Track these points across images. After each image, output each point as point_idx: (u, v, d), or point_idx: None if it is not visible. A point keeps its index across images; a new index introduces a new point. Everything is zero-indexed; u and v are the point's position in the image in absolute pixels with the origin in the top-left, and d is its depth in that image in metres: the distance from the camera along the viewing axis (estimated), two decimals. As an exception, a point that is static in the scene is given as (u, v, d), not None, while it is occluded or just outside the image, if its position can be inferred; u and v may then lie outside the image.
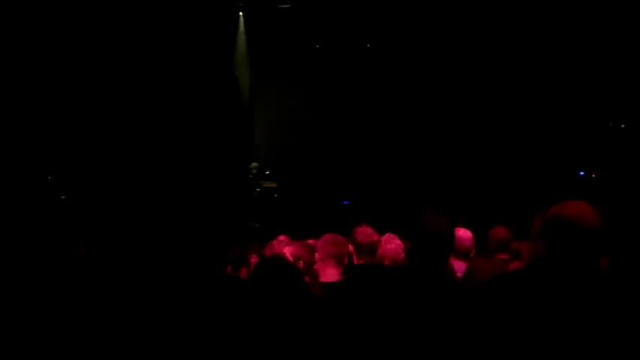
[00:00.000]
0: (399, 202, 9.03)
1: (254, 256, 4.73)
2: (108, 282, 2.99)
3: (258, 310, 2.37)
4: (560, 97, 9.07)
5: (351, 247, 3.61)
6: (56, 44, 8.59)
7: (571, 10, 8.68)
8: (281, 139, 10.56)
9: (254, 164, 9.51)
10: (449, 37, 9.57)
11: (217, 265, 2.78)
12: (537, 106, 9.20)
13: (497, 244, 4.32)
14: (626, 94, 8.78)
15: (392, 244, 3.92)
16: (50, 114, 8.73)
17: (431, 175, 9.68)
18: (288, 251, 3.54)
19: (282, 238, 4.83)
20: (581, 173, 9.10)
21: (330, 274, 3.34)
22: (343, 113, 10.55)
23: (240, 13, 10.46)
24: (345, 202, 9.96)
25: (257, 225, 8.49)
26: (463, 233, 3.76)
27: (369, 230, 3.79)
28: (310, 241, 4.07)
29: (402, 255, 3.75)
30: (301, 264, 3.44)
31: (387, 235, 4.02)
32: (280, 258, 3.08)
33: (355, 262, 3.58)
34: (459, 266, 3.65)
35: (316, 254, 3.47)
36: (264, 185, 9.61)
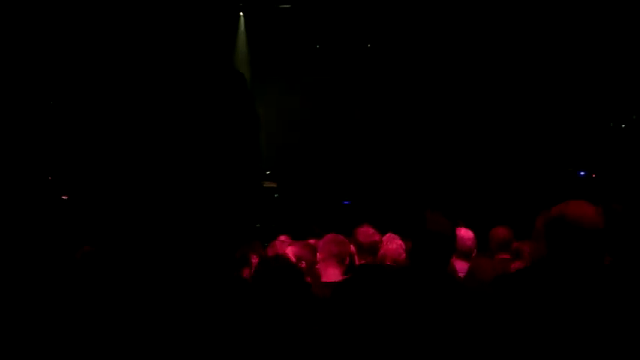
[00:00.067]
0: (400, 203, 9.04)
1: (254, 256, 4.73)
2: (110, 282, 3.00)
3: (261, 311, 2.37)
4: (561, 98, 9.07)
5: (352, 247, 3.62)
6: (56, 44, 8.59)
7: (571, 10, 8.68)
8: (281, 139, 10.55)
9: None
10: (449, 37, 9.57)
11: (224, 265, 2.78)
12: (537, 106, 9.20)
13: (498, 244, 4.33)
14: (626, 94, 8.79)
15: (393, 244, 3.93)
16: (51, 114, 8.73)
17: (431, 175, 9.68)
18: (290, 251, 3.55)
19: (282, 238, 4.83)
20: (582, 173, 9.11)
21: (331, 274, 3.35)
22: (343, 113, 10.55)
23: (241, 13, 10.46)
24: (346, 202, 9.97)
25: (257, 225, 8.49)
26: (465, 233, 3.78)
27: (371, 230, 3.80)
28: (311, 241, 4.08)
29: (404, 255, 3.76)
30: (304, 264, 3.44)
31: (388, 235, 4.03)
32: (282, 258, 3.08)
33: (357, 262, 3.58)
34: (461, 266, 3.66)
35: (318, 254, 3.47)
36: (264, 185, 9.61)
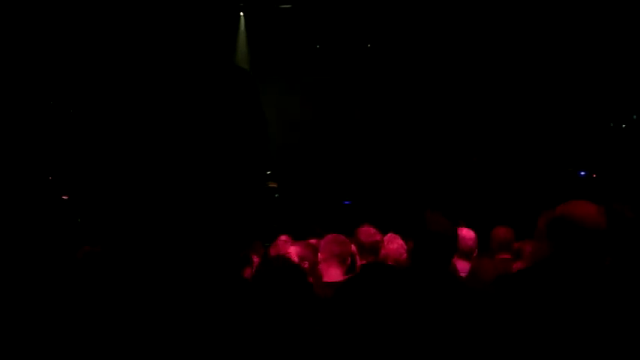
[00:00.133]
0: (401, 203, 9.04)
1: (255, 256, 4.73)
2: (112, 282, 3.00)
3: (263, 311, 2.37)
4: (561, 98, 9.07)
5: (353, 247, 3.62)
6: (57, 44, 8.59)
7: (571, 10, 8.68)
8: (281, 139, 10.55)
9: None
10: (449, 37, 9.58)
11: (229, 265, 2.78)
12: (538, 106, 9.21)
13: (499, 244, 4.34)
14: (626, 94, 8.79)
15: (394, 244, 3.93)
16: (52, 114, 8.73)
17: (432, 175, 9.69)
18: (293, 251, 3.55)
19: (284, 238, 4.82)
20: (582, 173, 9.11)
21: (333, 274, 3.35)
22: (344, 113, 10.55)
23: (241, 13, 10.46)
24: (346, 202, 9.97)
25: (262, 225, 8.50)
26: (466, 233, 3.78)
27: (372, 230, 3.80)
28: (312, 241, 4.08)
29: (405, 255, 3.76)
30: (306, 264, 3.45)
31: (389, 235, 4.03)
32: (284, 258, 3.09)
33: (358, 262, 3.58)
34: (462, 266, 3.66)
35: (319, 254, 3.47)
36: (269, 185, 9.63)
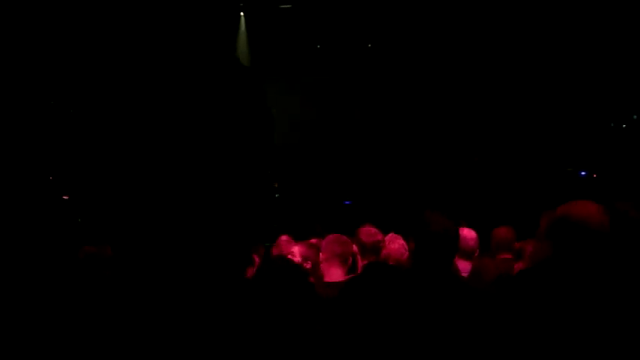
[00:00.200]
0: (401, 202, 9.04)
1: (255, 256, 4.73)
2: (113, 282, 3.00)
3: (265, 311, 2.37)
4: (561, 98, 9.08)
5: (355, 247, 3.62)
6: (57, 44, 8.58)
7: (571, 10, 8.69)
8: (281, 139, 10.55)
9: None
10: (450, 37, 9.58)
11: (236, 265, 2.79)
12: (538, 106, 9.21)
13: (499, 244, 4.34)
14: (626, 94, 8.79)
15: (395, 244, 3.93)
16: (53, 114, 8.73)
17: (433, 175, 9.69)
18: (297, 251, 3.55)
19: (284, 238, 4.82)
20: (583, 173, 9.12)
21: (334, 274, 3.35)
22: (344, 113, 10.55)
23: (242, 13, 10.47)
24: (346, 202, 9.97)
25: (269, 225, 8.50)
26: (467, 233, 3.78)
27: (373, 230, 3.81)
28: (314, 241, 4.09)
29: (406, 255, 3.76)
30: (309, 264, 3.45)
31: (390, 235, 4.03)
32: (285, 259, 3.09)
33: (359, 262, 3.58)
34: (463, 266, 3.66)
35: (321, 254, 3.47)
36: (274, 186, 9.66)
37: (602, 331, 1.95)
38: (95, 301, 2.98)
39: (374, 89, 10.42)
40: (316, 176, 10.27)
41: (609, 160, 8.80)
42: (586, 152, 9.04)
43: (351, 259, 3.45)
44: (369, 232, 3.75)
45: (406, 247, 3.82)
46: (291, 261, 2.90)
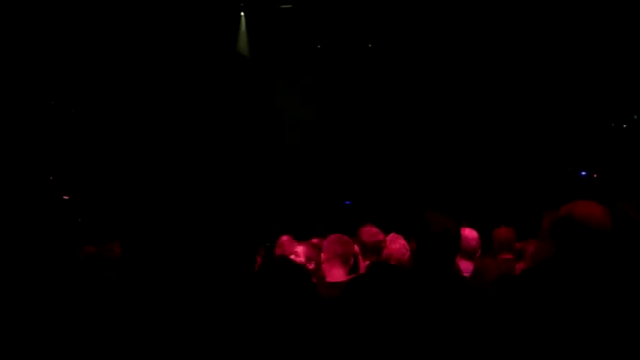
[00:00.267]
0: (403, 202, 9.04)
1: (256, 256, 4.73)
2: (117, 281, 3.00)
3: (266, 311, 2.37)
4: (562, 98, 9.08)
5: (356, 247, 3.62)
6: (57, 44, 8.58)
7: (571, 10, 8.69)
8: (281, 139, 10.55)
9: None
10: (450, 37, 9.58)
11: (243, 265, 2.78)
12: (539, 107, 9.21)
13: (500, 244, 4.35)
14: (627, 94, 8.79)
15: (396, 244, 3.92)
16: (55, 114, 8.73)
17: (435, 175, 9.69)
18: (301, 251, 3.55)
19: (285, 238, 4.82)
20: (583, 173, 9.12)
21: (336, 274, 3.35)
22: (344, 113, 10.55)
23: (242, 13, 10.46)
24: (347, 202, 9.97)
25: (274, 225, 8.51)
26: (469, 233, 3.77)
27: (374, 230, 3.80)
28: (315, 240, 4.08)
29: (407, 255, 3.75)
30: (313, 265, 3.44)
31: (391, 235, 4.02)
32: (287, 259, 3.08)
33: (361, 262, 3.58)
34: (465, 266, 3.65)
35: (322, 254, 3.47)
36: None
37: (604, 330, 1.95)
38: (95, 301, 2.98)
39: (374, 89, 10.42)
40: (317, 176, 10.27)
41: (610, 160, 8.80)
42: (587, 152, 9.04)
43: (352, 259, 3.44)
44: (370, 232, 3.74)
45: (407, 247, 3.81)
46: (293, 261, 2.89)
